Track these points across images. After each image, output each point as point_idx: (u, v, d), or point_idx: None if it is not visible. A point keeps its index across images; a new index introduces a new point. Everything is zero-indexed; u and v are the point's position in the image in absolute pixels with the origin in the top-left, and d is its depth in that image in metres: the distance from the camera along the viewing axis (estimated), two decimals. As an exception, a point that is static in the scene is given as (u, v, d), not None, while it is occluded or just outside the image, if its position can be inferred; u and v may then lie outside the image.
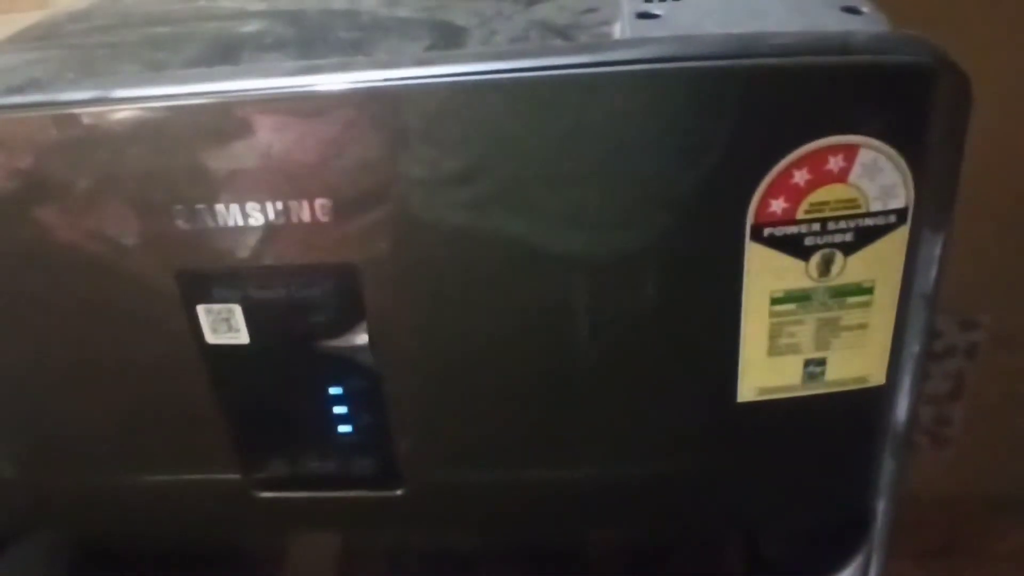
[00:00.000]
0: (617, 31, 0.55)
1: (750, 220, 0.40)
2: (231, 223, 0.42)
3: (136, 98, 0.41)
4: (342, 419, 0.48)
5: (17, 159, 0.43)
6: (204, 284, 0.44)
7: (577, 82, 0.39)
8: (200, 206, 0.42)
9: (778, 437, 0.46)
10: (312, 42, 0.61)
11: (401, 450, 0.48)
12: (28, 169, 0.43)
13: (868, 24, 0.46)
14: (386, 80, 0.40)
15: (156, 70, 0.56)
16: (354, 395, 0.47)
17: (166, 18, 0.69)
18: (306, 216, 0.41)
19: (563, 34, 0.58)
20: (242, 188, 0.41)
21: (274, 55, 0.59)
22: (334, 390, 0.47)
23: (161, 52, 0.62)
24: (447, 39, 0.58)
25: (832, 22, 0.46)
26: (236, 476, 0.50)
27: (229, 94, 0.41)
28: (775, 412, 0.45)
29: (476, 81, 0.39)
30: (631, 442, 0.47)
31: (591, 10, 0.60)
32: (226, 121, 0.41)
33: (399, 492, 0.49)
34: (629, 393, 0.46)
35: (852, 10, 0.49)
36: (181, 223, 0.42)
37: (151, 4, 0.74)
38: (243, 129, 0.41)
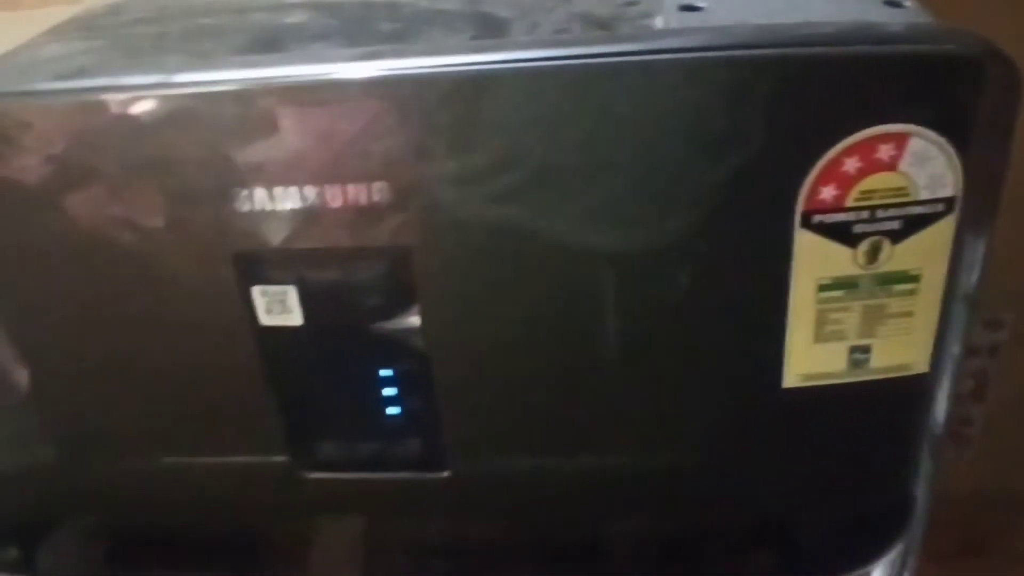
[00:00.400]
0: (659, 23, 0.55)
1: (800, 207, 0.41)
2: (290, 206, 0.43)
3: (198, 83, 0.42)
4: (391, 401, 0.48)
5: (80, 142, 0.43)
6: (260, 266, 0.45)
7: (633, 69, 0.39)
8: (260, 189, 0.43)
9: (821, 424, 0.47)
10: (355, 33, 0.62)
11: (447, 433, 0.49)
12: (90, 152, 0.44)
13: (911, 17, 0.47)
14: (443, 67, 0.40)
15: (204, 59, 0.56)
16: (403, 378, 0.48)
17: (206, 10, 0.70)
18: (363, 199, 0.42)
19: (605, 26, 0.58)
20: (302, 172, 0.42)
21: (319, 45, 0.60)
22: (384, 372, 0.48)
23: (206, 43, 0.63)
24: (490, 30, 0.59)
25: (876, 15, 0.47)
26: (284, 457, 0.51)
27: (291, 80, 0.41)
28: (819, 399, 0.46)
29: (535, 68, 0.39)
30: (677, 429, 0.48)
31: (631, 3, 0.60)
32: (287, 106, 0.41)
33: (444, 475, 0.50)
34: (676, 379, 0.46)
35: (894, 3, 0.50)
36: (240, 206, 0.43)
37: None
38: (304, 114, 0.42)
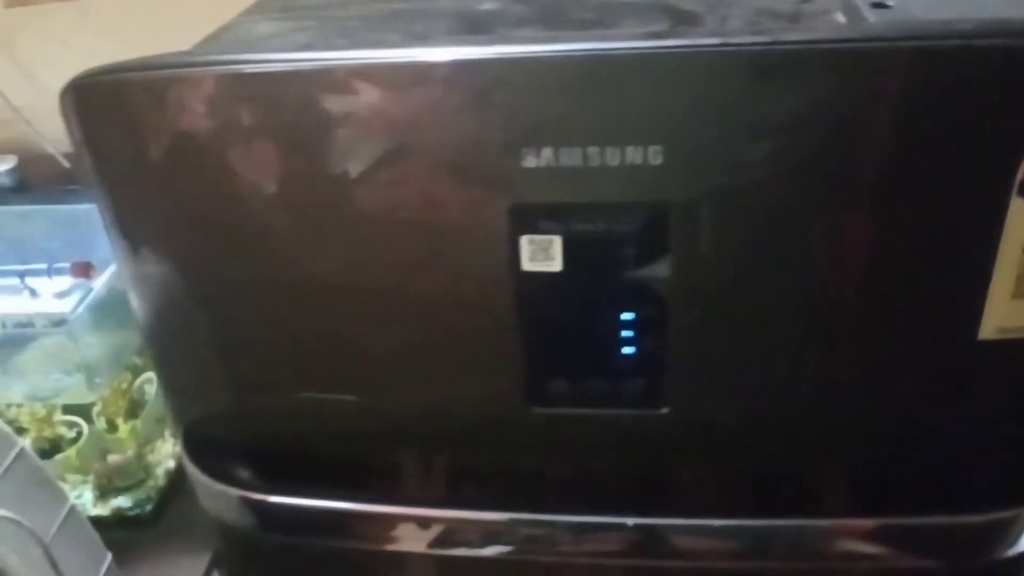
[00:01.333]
0: (840, 19, 0.62)
1: (1019, 178, 0.48)
2: (571, 164, 0.49)
3: (503, 55, 0.48)
4: (627, 342, 0.55)
5: (387, 103, 0.50)
6: (533, 218, 0.51)
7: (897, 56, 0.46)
8: (547, 149, 0.49)
9: (1010, 374, 0.54)
10: (554, 20, 0.68)
11: (672, 374, 0.56)
12: (395, 112, 0.50)
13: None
14: (726, 46, 0.47)
15: (419, 40, 0.63)
16: (643, 322, 0.54)
17: (393, -4, 0.75)
18: (638, 160, 0.49)
19: (791, 20, 0.65)
20: (587, 134, 0.49)
21: (525, 30, 0.66)
22: (626, 316, 0.54)
23: (415, 25, 0.70)
24: (685, 22, 0.65)
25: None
26: (517, 393, 0.57)
27: (588, 53, 0.48)
28: (1009, 350, 0.53)
29: (808, 51, 0.46)
30: (883, 378, 0.55)
31: (806, 0, 0.67)
32: (583, 77, 0.48)
33: (663, 411, 0.57)
34: (888, 332, 0.53)
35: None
36: (526, 163, 0.50)
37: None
38: (597, 84, 0.48)
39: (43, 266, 1.01)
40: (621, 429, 0.58)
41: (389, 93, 0.50)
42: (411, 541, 0.65)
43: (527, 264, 0.53)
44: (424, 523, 0.65)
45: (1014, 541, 0.57)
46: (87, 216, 1.18)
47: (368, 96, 0.50)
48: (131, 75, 0.53)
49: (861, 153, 0.49)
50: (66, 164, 1.23)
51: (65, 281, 1.02)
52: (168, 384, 0.65)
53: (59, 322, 0.98)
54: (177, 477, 1.14)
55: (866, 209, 0.50)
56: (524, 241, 0.52)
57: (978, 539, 0.58)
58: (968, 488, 0.57)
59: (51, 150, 1.21)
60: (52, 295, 1.02)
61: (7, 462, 0.76)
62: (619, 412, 0.57)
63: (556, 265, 0.52)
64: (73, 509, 0.83)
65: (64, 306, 0.99)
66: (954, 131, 0.48)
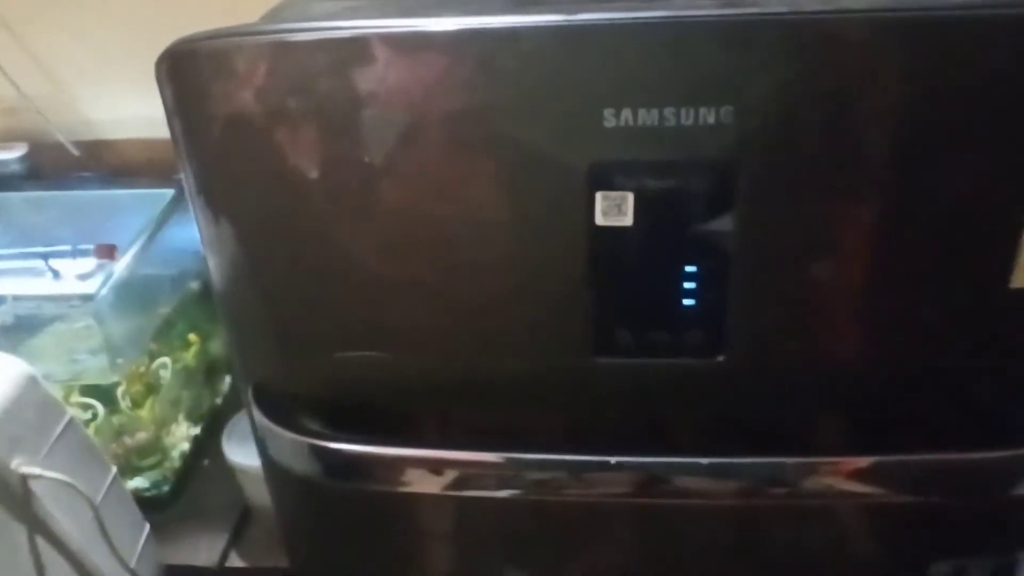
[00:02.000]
0: None
1: (1051, 138, 0.54)
2: (648, 123, 0.54)
3: (593, 20, 0.53)
4: (689, 294, 0.59)
5: (485, 66, 0.54)
6: (609, 174, 0.56)
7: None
8: (627, 109, 0.54)
9: None
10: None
11: (730, 325, 0.60)
12: (489, 74, 0.54)
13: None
14: (797, 14, 0.52)
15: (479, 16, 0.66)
16: (705, 274, 0.59)
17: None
18: (712, 119, 0.53)
19: None
20: (664, 95, 0.53)
21: (572, 7, 0.70)
22: (690, 268, 0.59)
23: (471, 4, 0.73)
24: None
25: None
26: (584, 344, 0.62)
27: (664, 20, 0.52)
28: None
29: (882, 18, 0.51)
30: (924, 328, 0.60)
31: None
32: (663, 43, 0.53)
33: (720, 359, 0.61)
34: (927, 283, 0.58)
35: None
36: (607, 123, 0.54)
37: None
38: (674, 50, 0.53)
39: (67, 247, 1.02)
40: (678, 377, 0.63)
41: (487, 57, 0.53)
42: (470, 487, 0.68)
43: (600, 219, 0.57)
44: (480, 468, 0.68)
45: (1035, 478, 0.63)
46: (96, 203, 1.20)
47: (469, 60, 0.53)
48: (225, 41, 0.56)
49: (907, 118, 0.54)
50: (76, 152, 1.24)
51: (88, 263, 1.04)
52: (239, 345, 0.68)
53: (84, 302, 1.00)
54: (192, 459, 1.16)
55: (912, 171, 0.55)
56: (599, 197, 0.56)
57: (1005, 474, 0.64)
58: (999, 427, 0.62)
59: (61, 138, 1.22)
60: (75, 276, 1.03)
61: (59, 429, 0.78)
62: (678, 361, 0.62)
63: (627, 220, 0.57)
64: (117, 477, 0.85)
65: (89, 287, 1.01)
66: (991, 97, 0.53)
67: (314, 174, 0.58)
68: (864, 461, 0.63)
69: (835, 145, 0.54)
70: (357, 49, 0.54)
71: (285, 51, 0.56)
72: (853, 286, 0.59)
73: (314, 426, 0.66)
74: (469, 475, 0.66)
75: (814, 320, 0.60)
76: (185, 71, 0.57)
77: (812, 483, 0.65)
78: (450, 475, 0.67)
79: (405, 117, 0.56)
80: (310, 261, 0.62)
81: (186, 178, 0.61)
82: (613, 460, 0.64)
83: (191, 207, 0.62)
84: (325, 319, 0.64)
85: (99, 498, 0.82)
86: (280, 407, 0.67)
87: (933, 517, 0.71)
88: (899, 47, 0.52)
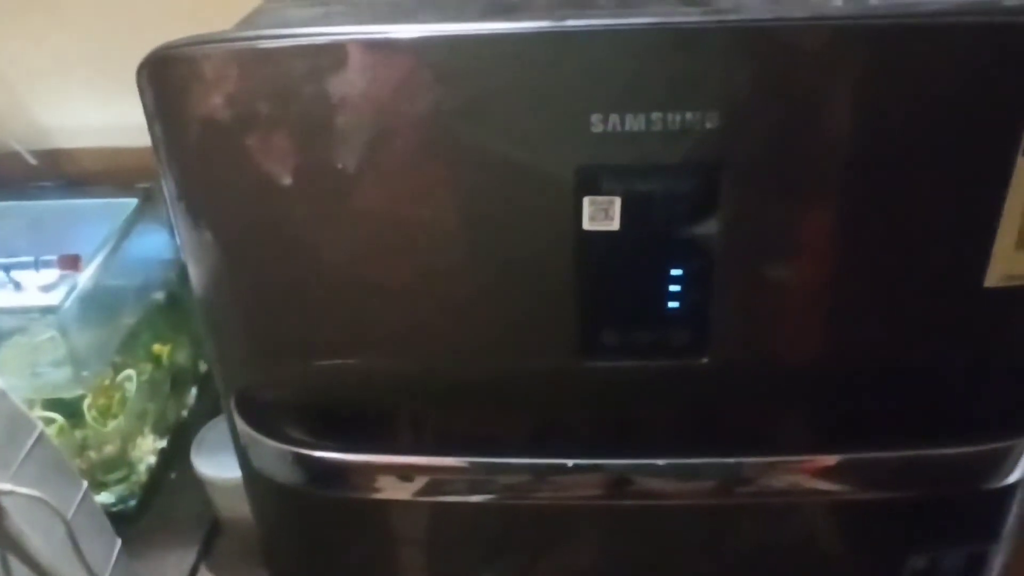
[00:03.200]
0: (838, 2, 0.68)
1: (1024, 140, 0.55)
2: (635, 128, 0.54)
3: (587, 27, 0.53)
4: (675, 296, 0.60)
5: (471, 74, 0.54)
6: (596, 179, 0.56)
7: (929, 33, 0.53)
8: (613, 114, 0.54)
9: (1012, 318, 0.61)
10: (580, 5, 0.73)
11: (714, 326, 0.61)
12: (478, 79, 0.54)
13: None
14: (788, 20, 0.53)
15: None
16: (690, 277, 0.60)
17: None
18: (697, 124, 0.54)
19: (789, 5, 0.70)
20: (651, 100, 0.54)
21: (558, 13, 0.70)
22: (676, 271, 0.59)
23: (450, 10, 0.74)
24: (701, 5, 0.71)
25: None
26: (571, 347, 0.62)
27: (657, 25, 0.53)
28: (1012, 296, 0.60)
29: (879, 24, 0.52)
30: (902, 325, 0.61)
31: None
32: (651, 49, 0.53)
33: (704, 360, 0.62)
34: (904, 282, 0.60)
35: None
36: (595, 128, 0.54)
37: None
38: (661, 55, 0.54)
39: (30, 259, 1.00)
40: (663, 379, 0.63)
41: (473, 63, 0.54)
42: (442, 492, 0.68)
43: (587, 224, 0.57)
44: (449, 474, 0.68)
45: (1009, 471, 0.65)
46: (57, 213, 1.18)
47: (455, 66, 0.54)
48: (208, 47, 0.56)
49: (884, 120, 0.55)
50: (33, 161, 1.22)
51: (51, 275, 1.02)
52: (219, 353, 0.67)
53: (48, 314, 0.98)
54: (158, 472, 1.14)
55: (887, 172, 0.57)
56: (586, 202, 0.57)
57: (977, 468, 0.65)
58: (968, 422, 0.64)
59: (18, 147, 1.20)
60: (37, 288, 1.01)
61: (29, 443, 0.77)
62: (663, 363, 0.62)
63: (614, 224, 0.57)
64: (88, 492, 0.83)
65: (53, 299, 0.99)
66: (964, 100, 0.55)
67: (295, 180, 0.58)
68: (831, 459, 0.64)
69: (816, 148, 0.55)
70: (341, 56, 0.54)
71: (269, 58, 0.55)
72: (834, 287, 0.60)
73: (296, 434, 0.66)
74: (440, 480, 0.67)
75: (796, 320, 0.61)
76: (167, 76, 0.56)
77: (780, 481, 0.66)
78: (421, 481, 0.67)
79: (388, 124, 0.56)
80: (293, 267, 0.62)
81: (166, 184, 0.60)
82: (571, 463, 0.64)
83: (171, 213, 0.61)
84: (308, 326, 0.63)
85: (71, 513, 0.81)
86: (261, 415, 0.67)
87: (908, 511, 0.72)
88: (879, 53, 0.53)
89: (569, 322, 0.61)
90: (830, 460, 0.65)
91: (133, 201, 1.13)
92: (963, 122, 0.55)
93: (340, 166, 0.57)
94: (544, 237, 0.58)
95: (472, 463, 0.66)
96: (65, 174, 1.24)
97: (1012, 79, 0.54)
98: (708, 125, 0.54)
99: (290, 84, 0.55)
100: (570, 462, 0.65)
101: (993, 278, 0.59)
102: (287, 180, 0.58)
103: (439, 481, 0.68)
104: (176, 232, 0.62)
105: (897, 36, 0.54)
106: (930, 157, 0.56)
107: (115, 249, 1.05)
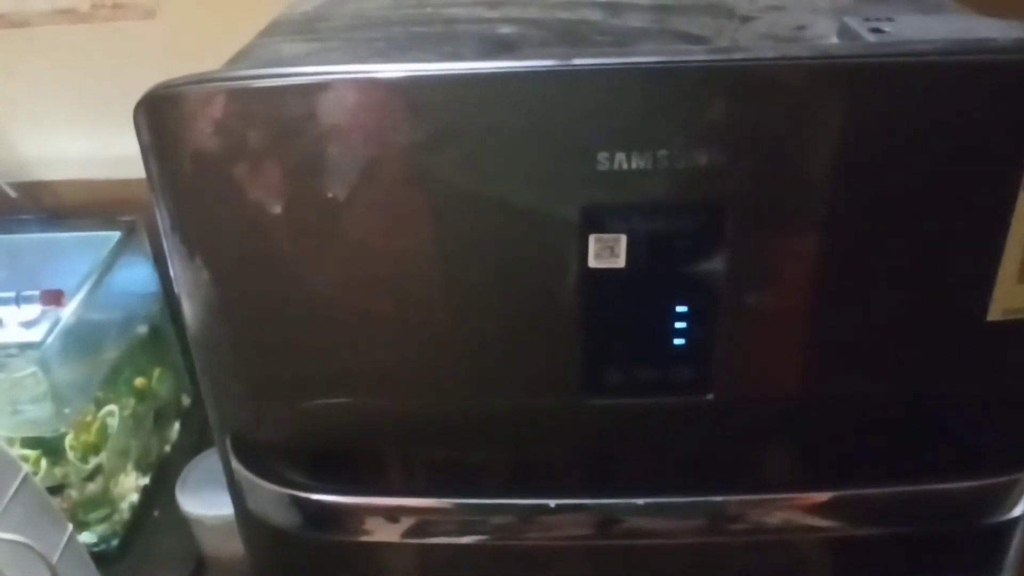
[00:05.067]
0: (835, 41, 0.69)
1: (1026, 176, 0.56)
2: (641, 166, 0.54)
3: (596, 65, 0.53)
4: (679, 333, 0.60)
5: (479, 110, 0.54)
6: (603, 217, 0.56)
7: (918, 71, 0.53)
8: (619, 152, 0.54)
9: (1013, 352, 0.61)
10: (575, 43, 0.73)
11: (719, 363, 0.61)
12: (477, 124, 0.54)
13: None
14: (784, 59, 0.53)
15: (455, 60, 0.66)
16: (695, 314, 0.59)
17: (409, 21, 0.79)
18: (703, 161, 0.54)
19: (791, 43, 0.71)
20: (657, 138, 0.54)
21: (562, 51, 0.70)
22: (680, 308, 0.59)
23: (444, 47, 0.73)
24: (699, 44, 0.71)
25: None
26: (573, 384, 0.61)
27: (664, 65, 0.53)
28: (1014, 330, 0.60)
29: (884, 63, 0.52)
30: (905, 360, 0.61)
31: (802, 27, 0.74)
32: (657, 87, 0.53)
33: (709, 397, 0.62)
34: (907, 317, 0.60)
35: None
36: (600, 166, 0.54)
37: (372, 10, 0.84)
38: (667, 93, 0.54)
39: (11, 294, 0.99)
40: (667, 416, 0.63)
41: (480, 102, 0.53)
42: (445, 534, 0.67)
43: (593, 262, 0.57)
44: (435, 515, 0.67)
45: (1012, 506, 0.64)
46: (37, 246, 1.16)
47: (463, 104, 0.53)
48: (199, 87, 0.55)
49: (886, 158, 0.55)
50: (12, 194, 1.20)
51: (33, 310, 1.00)
52: (214, 392, 0.66)
53: (30, 350, 0.96)
54: (141, 510, 1.12)
55: (892, 209, 0.57)
56: (592, 239, 0.56)
57: (978, 503, 0.65)
58: (970, 456, 0.64)
59: (-2, 180, 1.18)
60: (18, 324, 1.00)
61: (13, 487, 0.75)
62: (668, 400, 0.62)
63: (620, 262, 0.57)
64: (73, 534, 0.81)
65: (35, 335, 0.97)
66: (966, 137, 0.55)
67: (290, 220, 0.57)
68: (825, 495, 0.64)
69: (820, 186, 0.55)
70: (342, 95, 0.54)
71: (267, 97, 0.55)
72: (840, 323, 0.60)
73: (292, 476, 0.65)
74: (428, 521, 0.66)
75: (801, 356, 0.61)
76: (163, 114, 0.56)
77: (773, 518, 0.66)
78: (408, 522, 0.66)
79: (390, 162, 0.55)
80: (288, 303, 0.61)
81: (160, 218, 0.59)
82: (561, 503, 0.64)
83: (165, 247, 0.60)
84: (305, 363, 0.62)
85: (56, 557, 0.79)
86: (257, 457, 0.65)
87: (907, 546, 0.72)
88: (880, 90, 0.53)
89: (573, 359, 0.60)
90: (824, 496, 0.65)
91: (113, 234, 1.12)
92: (965, 159, 0.55)
93: (333, 206, 0.56)
94: (549, 274, 0.57)
95: (459, 504, 0.66)
96: (45, 207, 1.22)
97: (1012, 115, 0.54)
98: (714, 163, 0.54)
99: (288, 125, 0.55)
100: (561, 502, 0.64)
101: (996, 312, 0.59)
102: (280, 219, 0.57)
103: (427, 522, 0.67)
104: (170, 266, 0.61)
105: (897, 74, 0.54)
106: (933, 194, 0.56)
107: (98, 283, 1.03)
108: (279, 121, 0.55)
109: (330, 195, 0.57)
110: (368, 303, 0.60)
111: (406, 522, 0.64)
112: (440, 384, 0.63)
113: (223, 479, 0.72)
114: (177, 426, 1.22)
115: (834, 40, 0.69)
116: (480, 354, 0.61)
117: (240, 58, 0.70)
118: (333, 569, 0.75)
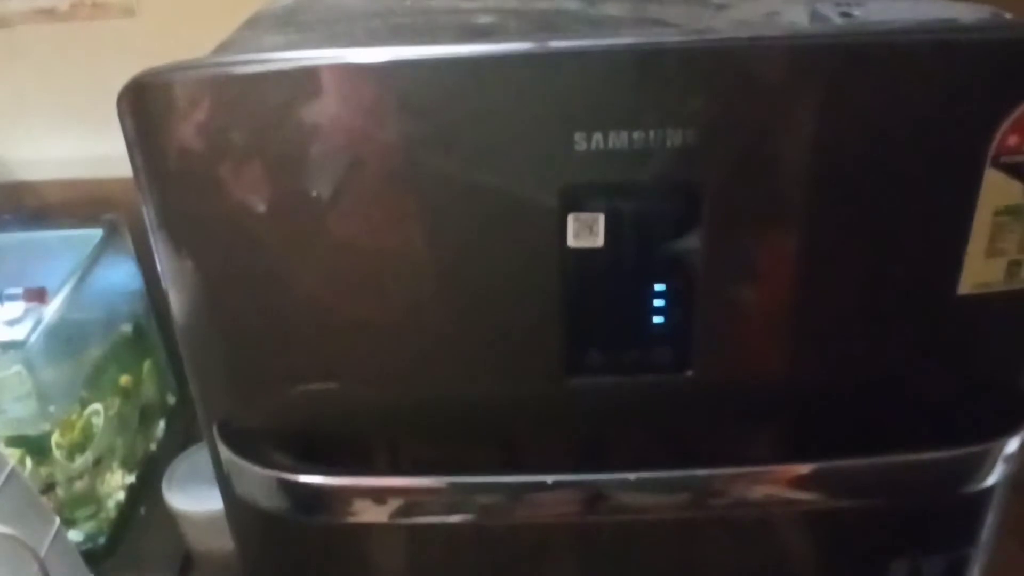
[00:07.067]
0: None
1: (992, 151, 0.57)
2: (618, 146, 0.55)
3: (572, 47, 0.54)
4: (658, 312, 0.61)
5: (461, 93, 0.55)
6: (581, 197, 0.57)
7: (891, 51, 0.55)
8: (597, 133, 0.55)
9: (984, 323, 0.63)
10: (552, 31, 0.74)
11: (698, 340, 0.62)
12: (456, 108, 0.55)
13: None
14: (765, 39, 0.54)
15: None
16: (674, 292, 0.60)
17: (389, 13, 0.80)
18: (678, 141, 0.55)
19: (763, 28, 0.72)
20: (633, 118, 0.55)
21: (539, 35, 0.71)
22: (659, 286, 0.60)
23: (423, 37, 0.74)
24: (676, 26, 0.72)
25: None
26: (554, 364, 0.62)
27: (640, 47, 0.54)
28: (983, 303, 0.62)
29: (857, 43, 0.54)
30: (881, 334, 0.63)
31: (774, 12, 0.75)
32: (634, 69, 0.54)
33: (688, 374, 0.63)
34: (882, 291, 0.61)
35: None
36: (577, 147, 0.55)
37: (352, 3, 0.85)
38: (644, 75, 0.55)
39: (-7, 293, 0.99)
40: (648, 393, 0.64)
41: (457, 85, 0.54)
42: (418, 513, 0.68)
43: (572, 241, 0.58)
44: (424, 495, 0.68)
45: (986, 475, 0.66)
46: (20, 246, 1.16)
47: (439, 88, 0.54)
48: (181, 74, 0.56)
49: (857, 136, 0.57)
50: (-9, 194, 1.21)
51: (16, 308, 1.00)
52: (200, 381, 0.67)
53: (14, 348, 0.96)
54: (128, 508, 1.12)
55: (864, 187, 0.58)
56: (571, 219, 0.57)
57: (954, 473, 0.67)
58: (946, 427, 0.65)
59: (-25, 180, 1.18)
60: (2, 322, 1.00)
61: (0, 480, 0.75)
62: (649, 378, 0.63)
63: (598, 241, 0.58)
64: (61, 528, 0.82)
65: (18, 333, 0.98)
66: (935, 114, 0.57)
67: (272, 207, 0.58)
68: (805, 467, 0.65)
69: (794, 165, 0.57)
70: (321, 81, 0.55)
71: (249, 83, 0.55)
72: (815, 300, 0.61)
73: (280, 459, 0.65)
74: (416, 502, 0.66)
75: (777, 334, 0.62)
76: (146, 103, 0.56)
77: (755, 492, 0.67)
78: (396, 503, 0.66)
79: (369, 149, 0.56)
80: (273, 294, 0.62)
81: (147, 212, 0.60)
82: (548, 480, 0.64)
83: (152, 241, 0.61)
84: (290, 353, 0.63)
85: (44, 550, 0.79)
86: (244, 442, 0.66)
87: (888, 518, 0.73)
88: (849, 70, 0.54)
89: (554, 339, 0.61)
90: (804, 469, 0.66)
91: (96, 232, 1.12)
92: (933, 136, 0.56)
93: (316, 193, 0.57)
94: (529, 254, 0.58)
95: (447, 483, 0.66)
96: (26, 206, 1.22)
97: (979, 93, 0.56)
98: (689, 143, 0.55)
99: (270, 111, 0.56)
100: (546, 478, 0.65)
101: (966, 286, 0.60)
102: (265, 207, 0.58)
103: (415, 502, 0.68)
104: (156, 256, 0.61)
105: (866, 54, 0.55)
106: (903, 171, 0.57)
107: (81, 281, 1.04)
108: (262, 108, 0.55)
109: (313, 184, 0.58)
110: (351, 289, 0.61)
111: (393, 503, 0.65)
112: (424, 367, 0.63)
113: (209, 475, 0.73)
114: (163, 424, 1.23)
115: (805, 21, 0.70)
116: (462, 336, 0.62)
117: (223, 49, 0.70)
118: (321, 557, 0.75)
